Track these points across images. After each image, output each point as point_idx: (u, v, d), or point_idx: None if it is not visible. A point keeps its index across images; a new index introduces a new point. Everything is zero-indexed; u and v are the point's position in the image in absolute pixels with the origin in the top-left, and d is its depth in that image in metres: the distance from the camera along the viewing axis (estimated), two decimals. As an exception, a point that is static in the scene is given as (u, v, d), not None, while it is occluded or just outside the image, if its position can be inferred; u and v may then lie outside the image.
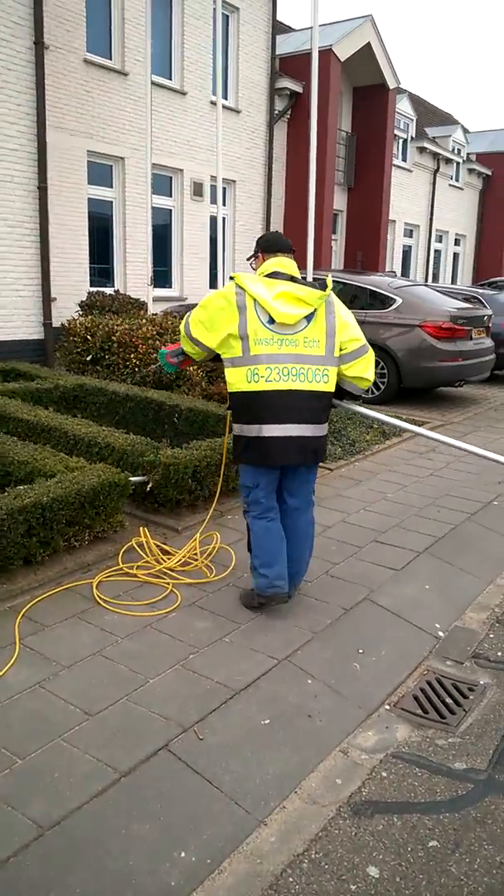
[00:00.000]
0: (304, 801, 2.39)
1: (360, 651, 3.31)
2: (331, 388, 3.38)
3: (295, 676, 3.05)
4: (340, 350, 3.37)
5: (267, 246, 3.54)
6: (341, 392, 3.56)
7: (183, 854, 2.10)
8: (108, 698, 2.76)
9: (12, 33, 9.04)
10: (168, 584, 3.75)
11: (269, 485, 3.49)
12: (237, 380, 3.32)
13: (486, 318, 9.61)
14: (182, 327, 3.57)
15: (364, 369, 3.43)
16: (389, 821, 2.32)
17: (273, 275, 3.35)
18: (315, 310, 3.30)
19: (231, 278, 3.36)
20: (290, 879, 2.06)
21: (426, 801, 2.42)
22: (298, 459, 3.38)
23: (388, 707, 2.97)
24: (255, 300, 3.24)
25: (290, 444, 3.30)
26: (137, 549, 4.08)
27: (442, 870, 2.12)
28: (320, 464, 3.54)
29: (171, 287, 13.08)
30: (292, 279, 3.36)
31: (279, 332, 3.25)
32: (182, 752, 2.51)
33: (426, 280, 22.89)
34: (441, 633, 3.57)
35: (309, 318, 3.29)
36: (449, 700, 3.05)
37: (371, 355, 3.47)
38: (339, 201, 17.77)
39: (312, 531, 3.68)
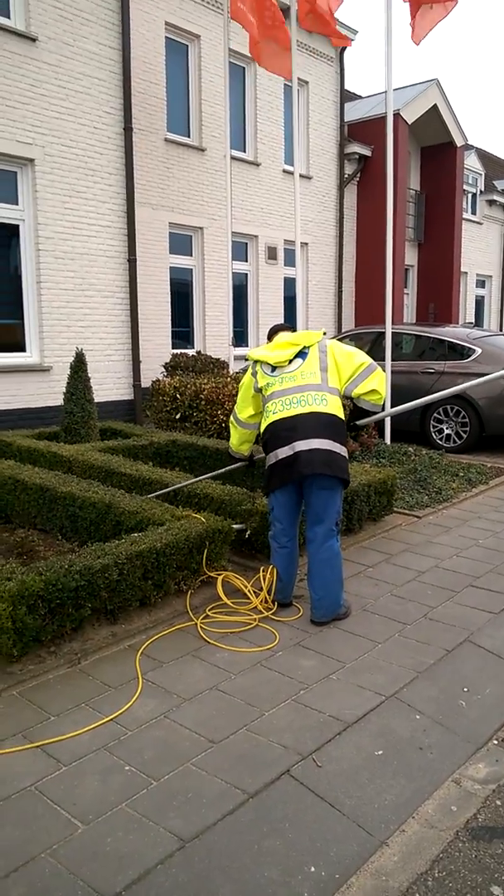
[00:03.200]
0: (423, 826, 2.49)
1: (465, 689, 3.39)
2: (331, 410, 3.94)
3: (403, 712, 3.16)
4: (349, 378, 4.04)
5: (270, 334, 4.43)
6: (363, 413, 4.26)
7: (313, 869, 2.24)
8: (229, 728, 2.94)
9: (104, 122, 9.83)
10: (275, 632, 3.93)
11: (286, 509, 4.09)
12: (263, 423, 4.10)
13: None
14: (232, 420, 4.52)
15: (374, 384, 4.06)
16: (508, 846, 2.40)
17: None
18: (306, 348, 4.05)
19: (246, 358, 4.24)
20: (417, 894, 2.17)
21: (543, 829, 2.48)
22: (307, 470, 3.82)
23: (496, 742, 3.03)
24: (259, 362, 4.14)
25: (298, 459, 3.83)
26: (222, 595, 4.29)
27: None
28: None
29: (247, 346, 13.54)
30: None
31: (279, 374, 4.03)
32: (303, 778, 2.66)
33: (501, 329, 22.84)
34: (544, 674, 3.60)
35: (303, 356, 4.04)
36: None
37: (379, 371, 4.11)
38: (410, 256, 18.11)
39: (337, 562, 4.01)
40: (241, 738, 2.87)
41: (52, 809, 2.44)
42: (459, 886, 2.21)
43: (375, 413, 4.29)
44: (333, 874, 2.23)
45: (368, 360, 4.11)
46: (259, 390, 4.15)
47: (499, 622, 4.12)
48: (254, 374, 4.19)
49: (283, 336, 4.25)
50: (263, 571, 4.21)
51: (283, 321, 13.85)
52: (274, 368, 4.07)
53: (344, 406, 4.12)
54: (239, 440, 4.55)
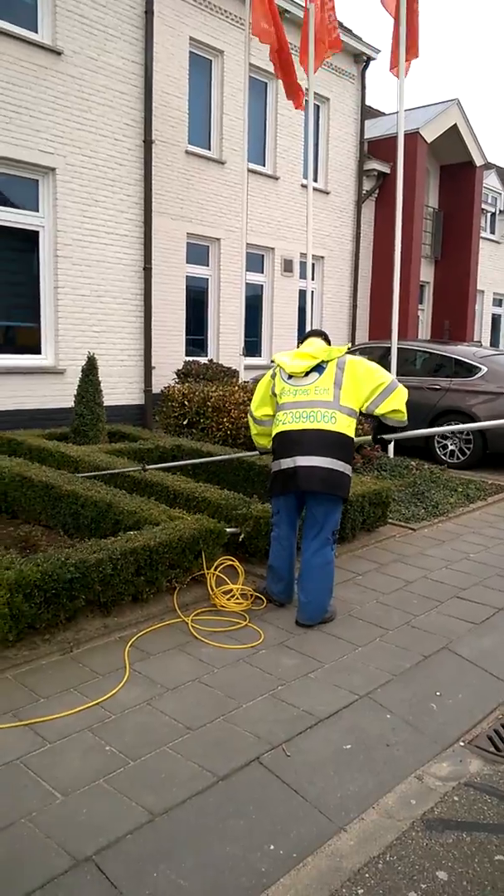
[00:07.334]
0: (381, 816, 2.64)
1: (438, 693, 3.53)
2: (339, 428, 4.03)
3: (375, 711, 3.32)
4: (369, 397, 4.08)
5: (302, 338, 4.56)
6: (388, 428, 4.33)
7: (272, 847, 2.40)
8: (206, 717, 3.12)
9: (124, 133, 10.10)
10: (260, 632, 4.10)
11: (287, 513, 4.28)
12: (273, 430, 4.26)
13: None
14: (249, 419, 4.70)
15: (395, 403, 4.11)
16: (459, 836, 2.55)
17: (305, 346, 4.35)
18: (325, 363, 4.11)
19: (272, 360, 4.35)
20: (367, 875, 2.32)
21: (495, 823, 2.63)
22: (305, 485, 3.98)
23: (462, 743, 3.18)
24: (279, 366, 4.24)
25: (298, 473, 3.97)
26: (213, 595, 4.46)
27: (506, 879, 2.34)
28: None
29: (260, 356, 13.74)
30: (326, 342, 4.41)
31: (294, 385, 4.15)
32: (271, 765, 2.82)
33: (516, 348, 22.91)
34: (517, 682, 3.74)
35: (320, 370, 4.10)
36: (522, 741, 3.23)
37: (400, 390, 4.12)
38: (426, 273, 18.26)
39: (329, 570, 4.17)
40: (217, 727, 3.05)
41: (35, 781, 2.62)
42: (408, 870, 2.37)
43: (400, 428, 4.33)
44: (291, 853, 2.40)
45: (389, 378, 4.12)
46: (274, 394, 4.29)
47: (479, 632, 4.26)
48: (273, 377, 4.34)
49: (305, 346, 4.32)
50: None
51: (297, 333, 14.08)
52: (290, 377, 4.18)
53: (359, 423, 4.23)
54: (255, 433, 4.71)
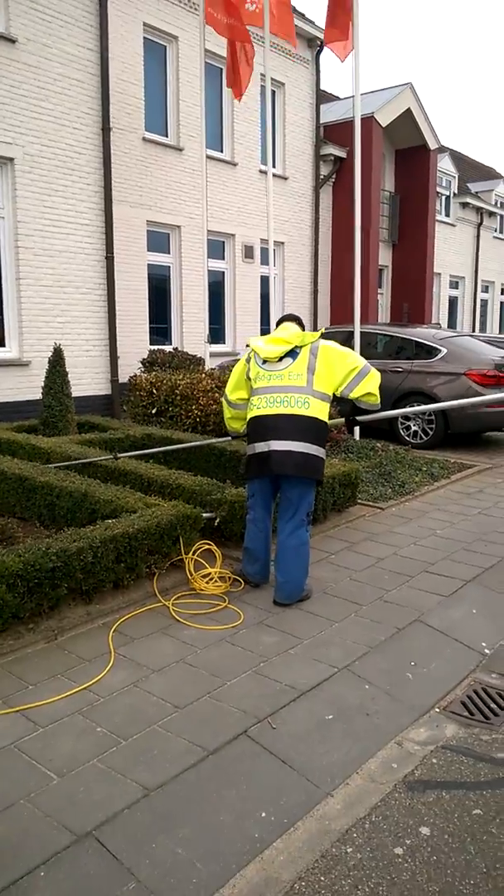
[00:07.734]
0: (365, 780, 2.77)
1: (413, 663, 3.68)
2: (313, 413, 4.10)
3: (354, 682, 3.45)
4: (343, 382, 4.16)
5: (278, 323, 4.65)
6: (361, 411, 4.46)
7: (264, 815, 2.51)
8: (193, 695, 3.21)
9: (83, 122, 10.03)
10: (240, 612, 4.20)
11: (262, 496, 4.36)
12: (248, 415, 4.32)
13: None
14: (223, 402, 4.74)
15: (369, 387, 4.19)
16: (439, 795, 2.69)
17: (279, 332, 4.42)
18: (297, 348, 4.16)
19: (247, 345, 4.42)
20: (355, 834, 2.45)
21: (472, 781, 2.78)
22: (278, 469, 4.08)
23: (438, 710, 3.33)
24: (254, 351, 4.29)
25: (271, 457, 4.06)
26: (192, 579, 4.56)
27: (484, 831, 2.49)
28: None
29: (224, 343, 13.80)
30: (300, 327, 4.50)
31: (268, 370, 4.20)
32: (259, 738, 2.93)
33: (472, 330, 23.30)
34: (487, 651, 3.90)
35: (293, 355, 4.15)
36: (493, 705, 3.39)
37: (373, 374, 4.21)
38: (384, 257, 18.46)
39: (304, 550, 4.28)
40: (204, 704, 3.15)
41: (30, 764, 2.69)
42: (393, 828, 2.50)
43: (373, 411, 4.44)
44: (282, 819, 2.51)
45: (362, 363, 4.20)
46: (249, 379, 4.35)
47: (448, 604, 4.42)
48: (247, 361, 4.39)
49: (280, 331, 4.38)
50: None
51: (260, 319, 14.16)
52: (264, 361, 4.24)
53: (331, 407, 4.32)
54: (229, 416, 4.76)
